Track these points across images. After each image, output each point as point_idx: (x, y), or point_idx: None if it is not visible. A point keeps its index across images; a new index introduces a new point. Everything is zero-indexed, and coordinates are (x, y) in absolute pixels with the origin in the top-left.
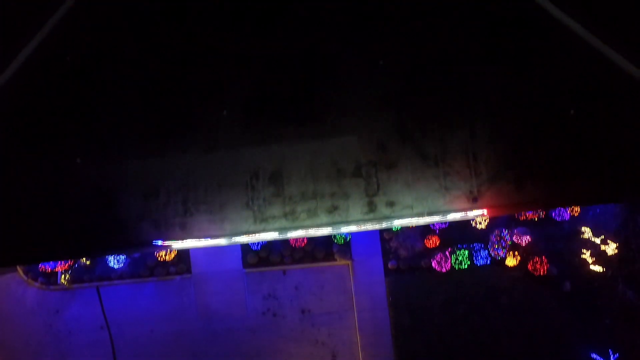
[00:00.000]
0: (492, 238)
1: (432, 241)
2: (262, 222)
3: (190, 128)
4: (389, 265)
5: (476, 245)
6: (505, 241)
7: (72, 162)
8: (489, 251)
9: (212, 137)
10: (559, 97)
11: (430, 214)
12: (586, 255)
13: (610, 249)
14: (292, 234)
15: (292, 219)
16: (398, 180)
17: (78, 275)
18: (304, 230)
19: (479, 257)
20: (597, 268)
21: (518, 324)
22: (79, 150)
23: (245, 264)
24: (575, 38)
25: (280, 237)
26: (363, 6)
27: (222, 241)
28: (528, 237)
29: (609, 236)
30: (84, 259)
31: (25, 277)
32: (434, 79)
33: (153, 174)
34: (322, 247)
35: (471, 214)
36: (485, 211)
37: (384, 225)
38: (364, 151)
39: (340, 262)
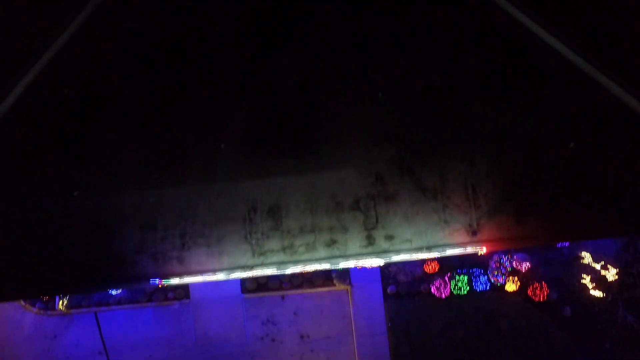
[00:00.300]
0: (492, 264)
1: (432, 267)
2: (261, 256)
3: (188, 161)
4: (388, 291)
5: (476, 271)
6: (505, 267)
7: (70, 195)
8: (488, 277)
9: (210, 170)
10: (558, 130)
11: (429, 247)
12: (586, 280)
13: (611, 274)
14: (291, 269)
15: (291, 253)
16: (397, 214)
17: (76, 301)
18: (303, 266)
19: (479, 283)
20: (597, 293)
21: (518, 350)
22: (77, 183)
23: (244, 290)
24: (575, 70)
25: (279, 273)
26: (361, 39)
27: (220, 276)
28: (528, 263)
29: (609, 261)
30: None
31: (22, 303)
32: (432, 111)
33: (150, 206)
34: (321, 273)
35: (470, 249)
36: (484, 248)
37: (383, 262)
38: (362, 184)
39: (339, 287)
